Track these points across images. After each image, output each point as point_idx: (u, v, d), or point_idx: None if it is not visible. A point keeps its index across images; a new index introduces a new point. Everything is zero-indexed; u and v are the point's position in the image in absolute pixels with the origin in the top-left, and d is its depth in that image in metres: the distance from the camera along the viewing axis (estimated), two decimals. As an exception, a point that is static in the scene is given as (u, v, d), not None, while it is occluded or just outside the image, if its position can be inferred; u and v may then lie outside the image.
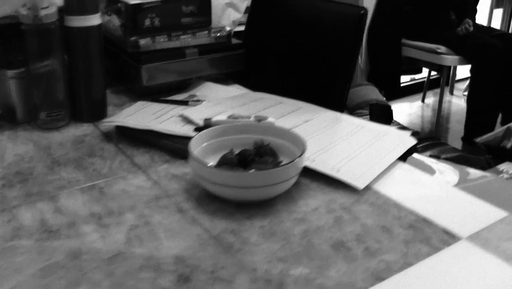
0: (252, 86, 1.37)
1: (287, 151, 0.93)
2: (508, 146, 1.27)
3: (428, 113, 3.66)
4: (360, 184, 0.89)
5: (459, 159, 1.45)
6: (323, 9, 1.24)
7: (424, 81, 3.88)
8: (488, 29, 3.35)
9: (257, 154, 0.93)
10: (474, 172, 1.16)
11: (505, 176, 1.17)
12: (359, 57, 3.32)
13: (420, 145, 1.95)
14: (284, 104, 1.20)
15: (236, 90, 1.34)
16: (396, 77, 3.45)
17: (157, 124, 1.09)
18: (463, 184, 1.11)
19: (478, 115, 3.15)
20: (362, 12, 1.19)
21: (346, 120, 1.12)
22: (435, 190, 0.92)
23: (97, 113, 1.19)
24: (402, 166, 0.99)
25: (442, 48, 3.12)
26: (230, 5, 1.68)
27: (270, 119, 1.05)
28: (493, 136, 1.33)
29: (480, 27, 3.35)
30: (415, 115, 3.73)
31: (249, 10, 1.42)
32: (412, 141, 1.06)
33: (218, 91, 1.33)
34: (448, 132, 3.49)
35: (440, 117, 3.46)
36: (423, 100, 3.91)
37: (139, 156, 1.03)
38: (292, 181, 0.86)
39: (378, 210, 0.85)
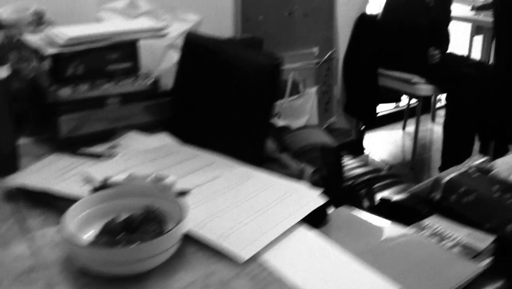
0: (181, 134, 1.33)
1: (176, 215, 0.89)
2: (436, 197, 1.22)
3: (408, 142, 3.61)
4: (244, 255, 0.85)
5: (405, 204, 1.41)
6: (242, 58, 1.20)
7: (407, 109, 3.84)
8: (463, 58, 3.31)
9: (145, 220, 0.89)
10: (396, 231, 1.12)
11: (427, 232, 1.13)
12: (335, 87, 3.29)
13: (378, 184, 1.90)
14: (199, 158, 1.16)
15: (159, 140, 1.31)
16: (373, 107, 3.41)
17: (58, 183, 1.05)
18: (380, 244, 1.07)
19: (454, 144, 3.10)
20: (275, 63, 1.15)
21: (257, 177, 1.08)
22: (328, 263, 0.87)
23: (6, 167, 1.15)
24: (303, 231, 0.95)
25: (416, 78, 3.08)
26: (172, 46, 1.65)
27: (171, 178, 1.01)
28: (423, 187, 1.28)
29: (455, 56, 3.32)
30: (396, 144, 3.68)
31: (179, 55, 1.39)
32: (320, 201, 1.01)
33: (141, 142, 1.29)
34: (427, 161, 3.44)
35: (417, 146, 3.41)
36: (404, 129, 3.87)
37: (34, 217, 1.00)
38: (167, 254, 0.82)
39: (257, 285, 0.80)
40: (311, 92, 3.11)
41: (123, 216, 0.90)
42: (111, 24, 1.50)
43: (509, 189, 1.18)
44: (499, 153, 3.22)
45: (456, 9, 3.63)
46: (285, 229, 0.92)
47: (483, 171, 1.27)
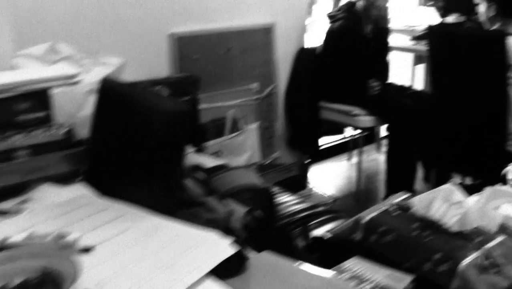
0: (98, 184, 1.29)
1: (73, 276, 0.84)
2: (357, 238, 1.20)
3: (354, 173, 3.63)
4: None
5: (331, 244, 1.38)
6: (150, 105, 1.18)
7: (352, 140, 3.86)
8: (403, 88, 3.36)
9: (40, 284, 0.84)
10: (315, 276, 1.09)
11: (347, 275, 1.10)
12: (277, 122, 3.29)
13: (315, 221, 1.88)
14: (110, 211, 1.12)
15: (74, 192, 1.26)
16: (316, 140, 3.43)
17: (-46, 245, 0.99)
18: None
19: (397, 174, 3.13)
20: (182, 110, 1.13)
21: (166, 228, 1.05)
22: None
23: None
24: (209, 283, 0.91)
25: (356, 110, 3.11)
26: (92, 92, 1.61)
27: (74, 235, 0.97)
28: (343, 228, 1.27)
29: (395, 86, 3.37)
30: (341, 176, 3.70)
31: (94, 102, 1.35)
32: (230, 251, 0.98)
33: (54, 194, 1.24)
34: (372, 192, 3.46)
35: (362, 177, 3.43)
36: (349, 160, 3.89)
37: None
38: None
39: None
40: (252, 129, 3.11)
41: (18, 280, 0.85)
42: (22, 72, 1.46)
43: (428, 226, 1.17)
44: (441, 180, 3.26)
45: (397, 39, 3.71)
46: (189, 284, 0.88)
47: (403, 208, 1.27)
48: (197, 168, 1.61)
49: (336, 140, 3.95)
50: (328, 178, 3.67)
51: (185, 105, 1.14)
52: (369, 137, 3.90)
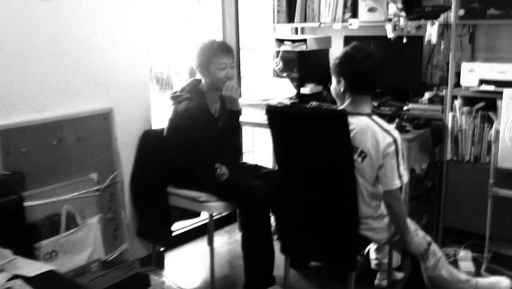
0: None
1: None
2: None
3: (214, 257, 3.42)
4: None
5: None
6: None
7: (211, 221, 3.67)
8: (256, 168, 3.25)
9: None
10: None
11: None
12: (122, 212, 3.05)
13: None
14: None
15: None
16: (167, 227, 3.21)
17: None
18: None
19: (255, 260, 2.96)
20: None
21: None
22: None
23: None
24: None
25: (204, 196, 2.94)
26: None
27: None
28: None
29: (247, 167, 3.27)
30: (200, 261, 3.48)
31: None
32: None
33: None
34: (230, 279, 3.27)
35: (219, 263, 3.25)
36: (209, 243, 3.69)
37: None
38: None
39: None
40: (93, 223, 2.86)
41: None
42: None
43: None
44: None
45: (252, 114, 3.62)
46: None
47: None
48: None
49: (193, 224, 3.75)
50: (184, 266, 3.45)
51: None
52: (231, 215, 3.75)
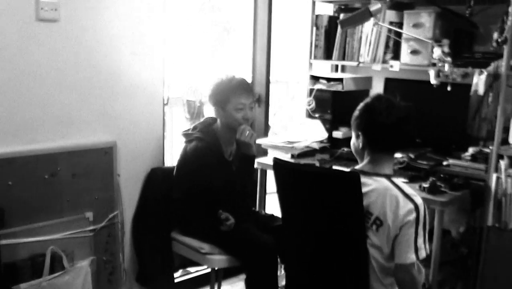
0: None
1: None
2: None
3: (220, 309, 3.13)
4: None
5: None
6: None
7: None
8: (270, 219, 2.94)
9: None
10: None
11: None
12: (120, 255, 2.81)
13: None
14: None
15: None
16: (169, 274, 2.96)
17: None
18: None
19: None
20: None
21: None
22: None
23: None
24: None
25: (206, 248, 2.66)
26: None
27: None
28: None
29: (262, 217, 2.97)
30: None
31: None
32: None
33: None
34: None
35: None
36: (216, 292, 3.40)
37: None
38: None
39: None
40: (82, 266, 2.63)
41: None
42: None
43: None
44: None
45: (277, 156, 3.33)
46: None
47: None
48: None
49: (197, 270, 3.44)
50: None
51: None
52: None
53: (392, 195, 2.00)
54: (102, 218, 2.72)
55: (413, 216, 1.97)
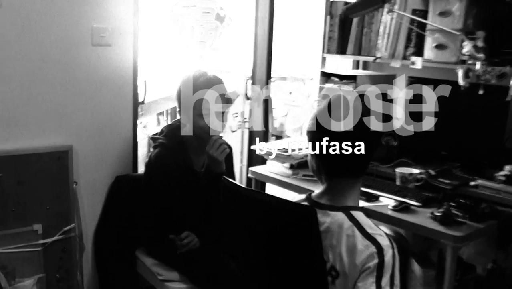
0: None
1: None
2: None
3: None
4: None
5: None
6: None
7: None
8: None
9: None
10: None
11: None
12: (78, 273, 2.48)
13: None
14: None
15: None
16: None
17: None
18: None
19: None
20: None
21: None
22: None
23: None
24: None
25: (165, 274, 2.27)
26: None
27: None
28: None
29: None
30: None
31: None
32: None
33: None
34: None
35: None
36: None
37: None
38: None
39: None
40: (25, 285, 2.30)
41: None
42: None
43: None
44: None
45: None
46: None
47: None
48: None
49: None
50: None
51: None
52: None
53: (349, 235, 1.51)
54: (55, 231, 2.38)
55: (374, 262, 1.46)
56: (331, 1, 3.02)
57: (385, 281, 1.45)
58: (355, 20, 2.90)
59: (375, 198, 2.38)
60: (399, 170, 2.54)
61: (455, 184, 2.48)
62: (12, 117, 2.23)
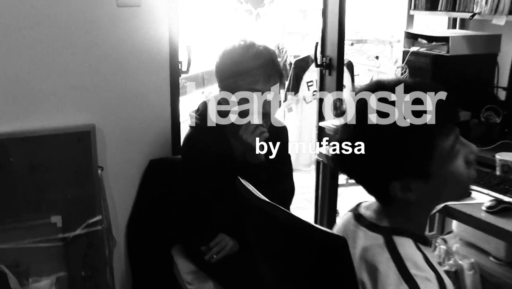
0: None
1: None
2: None
3: None
4: None
5: None
6: None
7: None
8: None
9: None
10: None
11: None
12: (108, 271, 2.15)
13: None
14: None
15: None
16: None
17: None
18: None
19: None
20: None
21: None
22: None
23: None
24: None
25: (195, 284, 1.88)
26: None
27: None
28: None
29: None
30: None
31: None
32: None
33: None
34: None
35: None
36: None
37: None
38: None
39: None
40: (42, 286, 2.00)
41: None
42: None
43: None
44: None
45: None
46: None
47: None
48: None
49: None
50: None
51: None
52: None
53: (383, 269, 1.02)
54: (77, 223, 2.05)
55: None
56: None
57: None
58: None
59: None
60: (500, 156, 1.93)
61: None
62: (23, 92, 1.91)
